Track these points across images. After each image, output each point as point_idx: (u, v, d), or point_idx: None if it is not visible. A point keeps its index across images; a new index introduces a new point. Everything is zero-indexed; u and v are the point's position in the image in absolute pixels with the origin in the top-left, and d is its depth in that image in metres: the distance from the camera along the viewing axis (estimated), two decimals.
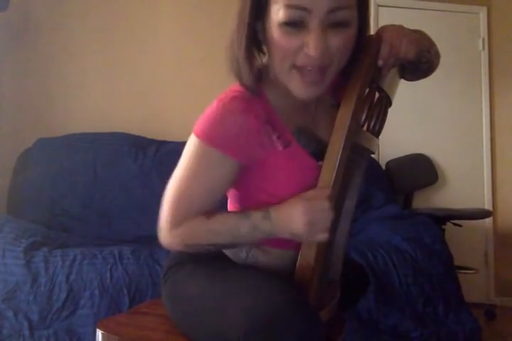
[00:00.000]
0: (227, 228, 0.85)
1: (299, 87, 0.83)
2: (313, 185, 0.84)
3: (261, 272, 0.89)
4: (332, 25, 0.78)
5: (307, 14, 0.76)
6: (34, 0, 2.82)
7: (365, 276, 1.28)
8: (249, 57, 0.85)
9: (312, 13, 0.76)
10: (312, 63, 0.80)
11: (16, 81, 2.78)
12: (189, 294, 0.90)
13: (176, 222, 0.86)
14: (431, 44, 0.95)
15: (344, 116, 0.83)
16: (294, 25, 0.78)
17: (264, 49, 0.87)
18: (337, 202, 0.85)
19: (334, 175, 0.82)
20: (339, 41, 0.79)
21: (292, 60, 0.81)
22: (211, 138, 0.84)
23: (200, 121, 0.86)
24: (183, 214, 0.86)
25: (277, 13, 0.78)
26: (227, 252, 0.96)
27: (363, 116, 0.89)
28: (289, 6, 0.76)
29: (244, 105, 0.83)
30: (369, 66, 0.84)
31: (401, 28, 0.88)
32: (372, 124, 0.95)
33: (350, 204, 1.01)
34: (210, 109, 0.85)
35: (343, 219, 1.00)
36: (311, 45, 0.77)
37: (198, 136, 0.85)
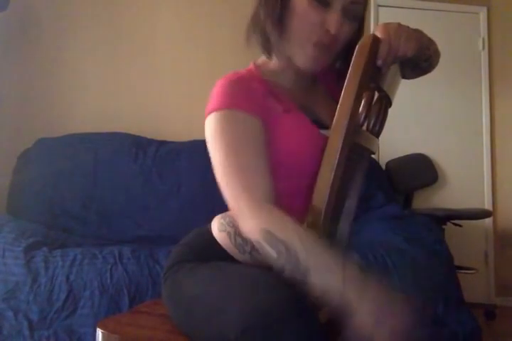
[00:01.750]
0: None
1: (306, 59, 0.94)
2: (317, 154, 0.86)
3: (260, 271, 0.89)
4: (347, 15, 0.91)
5: None
6: (34, 0, 2.82)
7: None
8: (279, 25, 0.94)
9: None
10: (327, 39, 0.91)
11: (16, 81, 2.77)
12: (189, 294, 0.90)
13: (255, 202, 0.81)
14: (430, 42, 0.96)
15: (342, 116, 0.82)
16: (321, 1, 0.90)
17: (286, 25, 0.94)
18: (338, 202, 0.85)
19: (333, 174, 0.82)
20: (348, 30, 0.93)
21: (310, 33, 0.91)
22: (226, 103, 0.88)
23: (210, 101, 0.90)
24: (255, 190, 0.82)
25: None
26: (230, 249, 0.96)
27: (363, 116, 0.89)
28: None
29: (247, 75, 0.95)
30: (367, 65, 0.84)
31: (399, 25, 0.88)
32: (372, 124, 0.95)
33: (350, 204, 1.01)
34: (215, 88, 0.91)
35: (343, 219, 1.00)
36: (333, 22, 0.89)
37: (213, 110, 0.88)
